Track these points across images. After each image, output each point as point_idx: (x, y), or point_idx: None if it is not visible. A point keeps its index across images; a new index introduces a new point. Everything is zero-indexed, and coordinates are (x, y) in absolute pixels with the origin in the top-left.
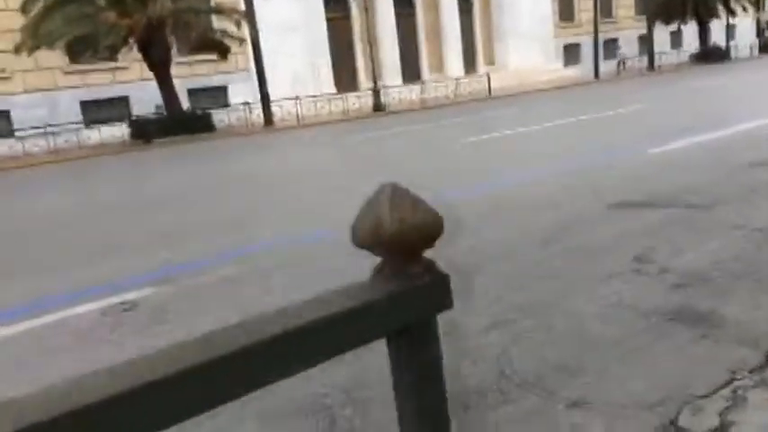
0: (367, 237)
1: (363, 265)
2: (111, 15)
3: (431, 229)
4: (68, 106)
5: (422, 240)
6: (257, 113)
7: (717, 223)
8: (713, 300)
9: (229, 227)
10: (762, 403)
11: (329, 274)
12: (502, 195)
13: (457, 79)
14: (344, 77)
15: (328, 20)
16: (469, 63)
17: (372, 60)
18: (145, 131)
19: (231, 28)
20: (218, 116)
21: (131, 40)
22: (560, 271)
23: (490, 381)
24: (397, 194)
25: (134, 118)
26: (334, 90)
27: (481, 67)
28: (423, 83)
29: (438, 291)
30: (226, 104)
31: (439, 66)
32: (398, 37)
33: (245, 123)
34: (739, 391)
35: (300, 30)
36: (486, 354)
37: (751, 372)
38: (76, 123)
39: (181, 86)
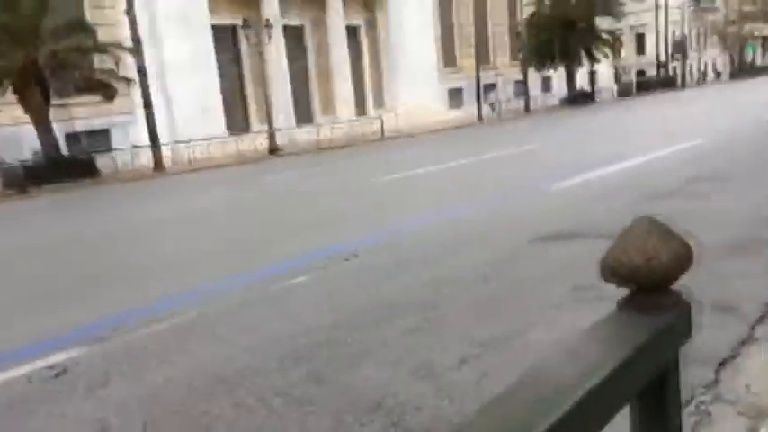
0: (619, 268)
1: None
2: None
3: (682, 262)
4: None
5: (674, 272)
6: (146, 157)
7: None
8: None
9: (145, 277)
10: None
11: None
12: (425, 233)
13: (349, 121)
14: (236, 120)
15: (219, 61)
16: (360, 105)
17: (266, 103)
18: (19, 180)
19: (118, 68)
20: (103, 161)
21: (6, 83)
22: (510, 304)
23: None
24: (655, 226)
25: (5, 165)
26: (226, 132)
27: (371, 109)
28: (316, 125)
29: (684, 320)
30: (110, 148)
31: (330, 108)
32: (290, 79)
33: (133, 168)
34: (702, 406)
35: (190, 71)
36: (460, 390)
37: (706, 386)
38: None
39: (60, 130)
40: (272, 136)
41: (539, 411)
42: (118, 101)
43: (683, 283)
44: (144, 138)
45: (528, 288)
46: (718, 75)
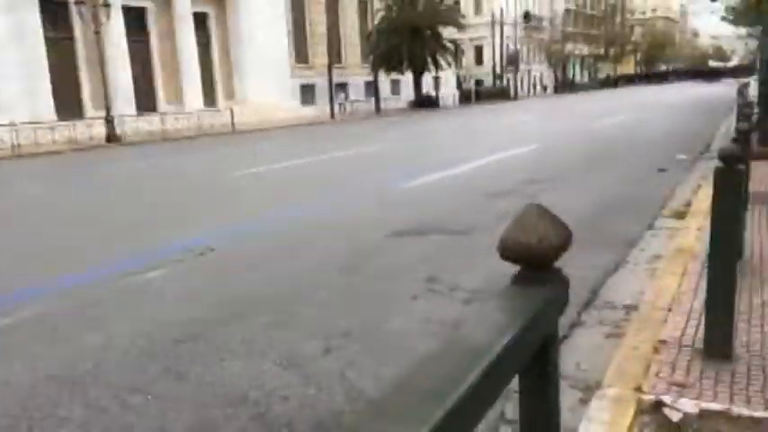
0: (518, 249)
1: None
2: None
3: (564, 243)
4: None
5: (560, 251)
6: None
7: (478, 246)
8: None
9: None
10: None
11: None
12: (281, 228)
13: (198, 111)
14: (69, 104)
15: (48, 39)
16: (209, 96)
17: (104, 86)
18: None
19: None
20: None
21: None
22: (369, 296)
23: (341, 405)
24: (543, 212)
25: None
26: (54, 117)
27: (221, 100)
28: (160, 114)
29: (563, 294)
30: None
31: (177, 97)
32: (132, 64)
33: None
34: None
35: (11, 48)
36: (326, 378)
37: None
38: None
39: None
40: (109, 123)
41: (452, 378)
42: None
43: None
44: None
45: (385, 280)
46: (544, 88)
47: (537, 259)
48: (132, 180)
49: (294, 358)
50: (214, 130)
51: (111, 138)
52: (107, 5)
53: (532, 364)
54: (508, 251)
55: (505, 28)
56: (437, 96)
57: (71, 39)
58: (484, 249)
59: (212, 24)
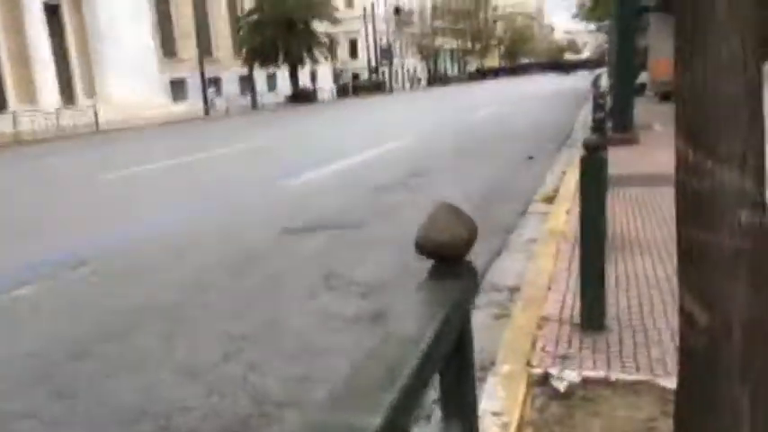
0: (433, 245)
1: None
2: None
3: (473, 237)
4: None
5: (469, 246)
6: None
7: (369, 239)
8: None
9: None
10: None
11: None
12: (162, 234)
13: (56, 110)
14: None
15: None
16: (66, 93)
17: None
18: None
19: None
20: None
21: None
22: (265, 297)
23: (248, 409)
24: (453, 210)
25: None
26: None
27: (81, 98)
28: (11, 113)
29: (474, 284)
30: None
31: (29, 94)
32: None
33: None
34: None
35: None
36: (229, 384)
37: None
38: None
39: None
40: None
41: (396, 367)
42: None
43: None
44: None
45: (281, 280)
46: (418, 81)
47: (450, 254)
48: None
49: (192, 367)
50: (76, 131)
51: None
52: None
53: (454, 348)
54: (424, 248)
55: (378, 22)
56: (314, 90)
57: None
58: (376, 243)
59: (66, 16)
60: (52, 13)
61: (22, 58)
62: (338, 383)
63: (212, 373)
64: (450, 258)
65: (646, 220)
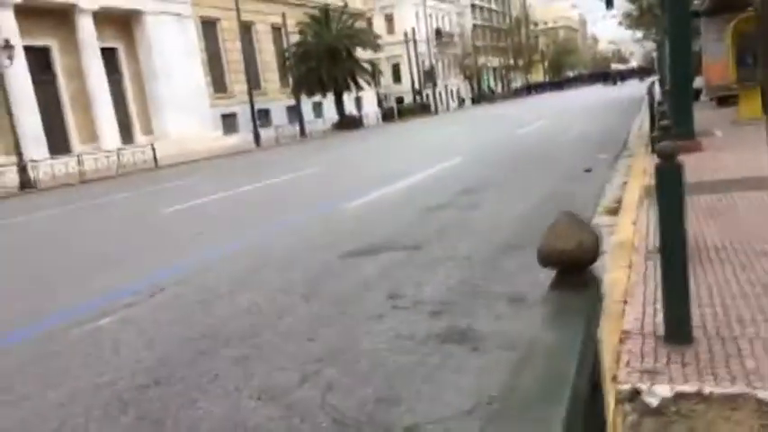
0: (558, 255)
1: None
2: None
3: (598, 245)
4: None
5: (595, 254)
6: None
7: (432, 258)
8: (465, 319)
9: None
10: None
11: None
12: (230, 261)
13: (118, 150)
14: None
15: None
16: (126, 133)
17: (13, 131)
18: None
19: None
20: None
21: None
22: (335, 319)
23: (328, 429)
24: (575, 219)
25: None
26: None
27: (140, 136)
28: (76, 155)
29: (599, 293)
30: None
31: (91, 135)
32: (39, 105)
33: None
34: None
35: None
36: (308, 406)
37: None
38: None
39: None
40: (22, 169)
41: (556, 378)
42: None
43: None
44: None
45: (347, 302)
46: (462, 101)
47: (576, 262)
48: (58, 227)
49: (270, 390)
50: (136, 168)
51: (25, 184)
52: (10, 47)
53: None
54: (548, 257)
55: (419, 45)
56: (360, 116)
57: None
58: (435, 262)
59: (123, 59)
60: (110, 55)
61: (83, 101)
62: (500, 395)
63: (290, 395)
64: (576, 267)
65: (722, 227)
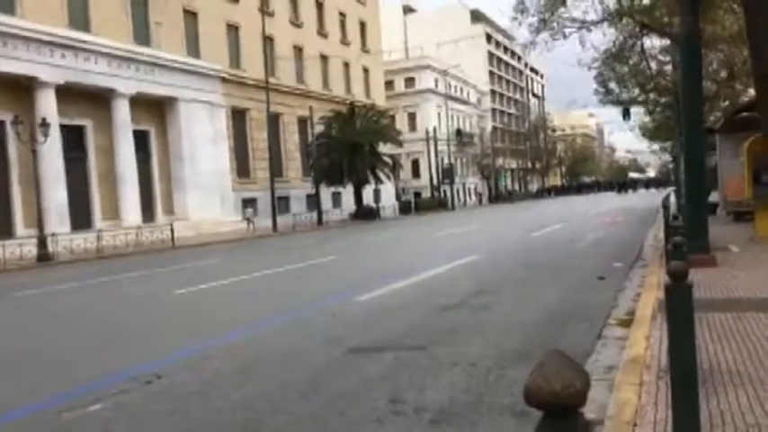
0: (543, 396)
1: None
2: None
3: (587, 387)
4: None
5: (584, 397)
6: None
7: (437, 362)
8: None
9: None
10: None
11: None
12: (232, 350)
13: (137, 228)
14: None
15: None
16: (148, 211)
17: (36, 205)
18: None
19: None
20: None
21: None
22: (332, 421)
23: None
24: (565, 358)
25: None
26: None
27: (160, 215)
28: (96, 230)
29: None
30: None
31: (113, 213)
32: (67, 181)
33: None
34: None
35: None
36: None
37: None
38: None
39: None
40: (41, 242)
41: None
42: None
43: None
44: None
45: (347, 403)
46: (480, 200)
47: (563, 405)
48: (64, 303)
49: None
50: (153, 247)
51: (43, 257)
52: (46, 125)
53: None
54: (535, 397)
55: (440, 144)
56: (378, 208)
57: (4, 158)
58: (442, 366)
59: (153, 142)
60: (141, 136)
61: (110, 178)
62: None
63: None
64: (563, 411)
65: (735, 349)
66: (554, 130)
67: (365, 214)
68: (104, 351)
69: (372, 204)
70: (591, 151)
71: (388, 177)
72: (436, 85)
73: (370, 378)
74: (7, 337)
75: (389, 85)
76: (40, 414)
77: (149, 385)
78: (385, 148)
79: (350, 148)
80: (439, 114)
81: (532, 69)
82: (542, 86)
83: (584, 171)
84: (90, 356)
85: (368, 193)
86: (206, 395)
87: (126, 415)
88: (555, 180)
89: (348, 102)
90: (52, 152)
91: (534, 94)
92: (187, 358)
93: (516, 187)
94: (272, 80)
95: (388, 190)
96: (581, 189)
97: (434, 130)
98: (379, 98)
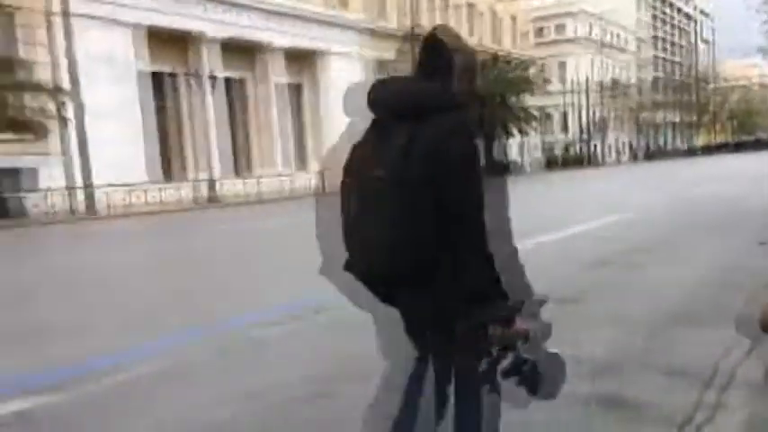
0: None
1: None
2: None
3: None
4: None
5: None
6: (80, 199)
7: (590, 316)
8: (620, 384)
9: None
10: None
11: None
12: None
13: (289, 175)
14: (173, 167)
15: (159, 108)
16: (300, 160)
17: (207, 151)
18: None
19: (49, 106)
20: (32, 200)
21: None
22: None
23: None
24: None
25: None
26: (161, 179)
27: (312, 164)
28: (256, 176)
29: None
30: (34, 189)
31: (271, 161)
32: (231, 130)
33: (67, 210)
34: None
35: (126, 115)
36: None
37: None
38: None
39: None
40: (210, 185)
41: None
42: (36, 142)
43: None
44: (71, 179)
45: None
46: (634, 156)
47: None
48: (237, 239)
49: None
50: (306, 193)
51: (212, 199)
52: (213, 78)
53: None
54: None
55: (592, 95)
56: (522, 163)
57: (177, 108)
58: (596, 319)
59: (305, 93)
60: (294, 91)
61: (267, 129)
62: None
63: None
64: None
65: None
66: (726, 80)
67: (504, 169)
68: (277, 282)
69: (517, 159)
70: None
71: (521, 132)
72: (590, 32)
73: None
74: (192, 267)
75: (539, 32)
76: (230, 332)
77: (319, 314)
78: (532, 100)
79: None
80: (592, 62)
81: (702, 12)
82: (713, 30)
83: (761, 126)
84: (264, 286)
85: (512, 148)
86: (364, 329)
87: (300, 338)
88: (724, 136)
89: (492, 51)
90: (218, 103)
91: (704, 40)
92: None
93: (677, 142)
94: (416, 30)
95: (532, 144)
96: (748, 146)
97: (586, 80)
98: (527, 47)
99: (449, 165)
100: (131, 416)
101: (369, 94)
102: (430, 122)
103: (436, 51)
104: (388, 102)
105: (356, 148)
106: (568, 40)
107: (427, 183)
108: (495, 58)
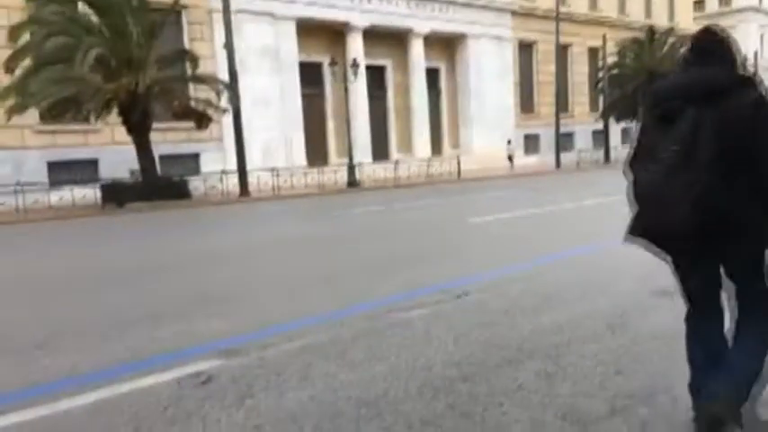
0: None
1: None
2: (97, 79)
3: None
4: (35, 166)
5: None
6: (233, 183)
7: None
8: None
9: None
10: None
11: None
12: (524, 280)
13: (426, 160)
14: (316, 152)
15: (304, 96)
16: (436, 145)
17: (348, 137)
18: (118, 195)
19: (212, 97)
20: (193, 183)
21: (113, 105)
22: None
23: None
24: None
25: (107, 182)
26: (305, 164)
27: (447, 149)
28: (393, 161)
29: None
30: (197, 172)
31: (407, 146)
32: (370, 116)
33: (221, 192)
34: None
35: (276, 103)
36: None
37: None
38: (41, 184)
39: (154, 152)
40: (351, 170)
41: None
42: (198, 130)
43: None
44: (228, 164)
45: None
46: None
47: None
48: (378, 222)
49: (574, 414)
50: (441, 178)
51: (352, 183)
52: (356, 66)
53: None
54: None
55: (761, 71)
56: None
57: (322, 95)
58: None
59: (443, 78)
60: (432, 74)
61: (405, 114)
62: None
63: (598, 425)
64: None
65: None
66: None
67: None
68: (417, 266)
69: None
70: None
71: None
72: (760, 1)
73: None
74: (338, 246)
75: (699, 5)
76: (371, 313)
77: (461, 299)
78: None
79: (646, 77)
80: (762, 36)
81: None
82: None
83: None
84: (405, 269)
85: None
86: (514, 314)
87: (443, 322)
88: None
89: (647, 27)
90: (359, 90)
91: None
92: (490, 280)
93: None
94: (562, 9)
95: None
96: None
97: (755, 55)
98: (686, 21)
99: (759, 131)
100: (291, 385)
101: (657, 87)
102: (719, 103)
103: (716, 44)
104: (690, 88)
105: (643, 135)
106: (733, 11)
107: (721, 154)
108: (668, 33)
